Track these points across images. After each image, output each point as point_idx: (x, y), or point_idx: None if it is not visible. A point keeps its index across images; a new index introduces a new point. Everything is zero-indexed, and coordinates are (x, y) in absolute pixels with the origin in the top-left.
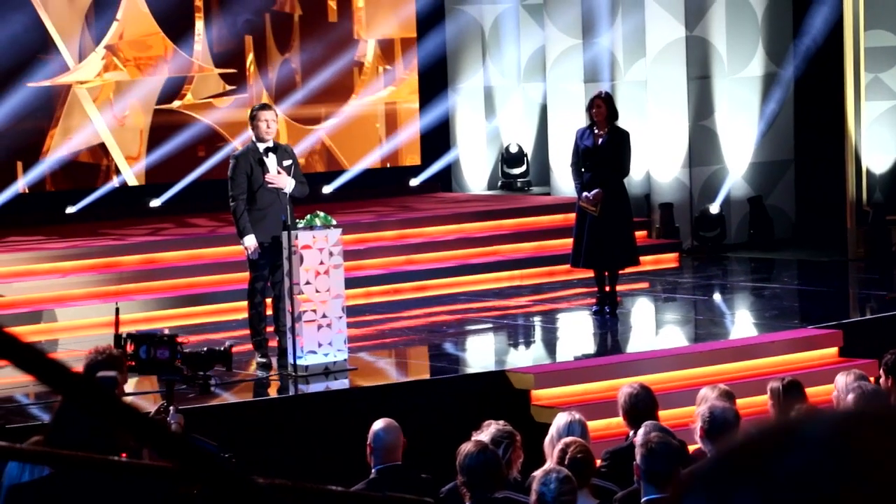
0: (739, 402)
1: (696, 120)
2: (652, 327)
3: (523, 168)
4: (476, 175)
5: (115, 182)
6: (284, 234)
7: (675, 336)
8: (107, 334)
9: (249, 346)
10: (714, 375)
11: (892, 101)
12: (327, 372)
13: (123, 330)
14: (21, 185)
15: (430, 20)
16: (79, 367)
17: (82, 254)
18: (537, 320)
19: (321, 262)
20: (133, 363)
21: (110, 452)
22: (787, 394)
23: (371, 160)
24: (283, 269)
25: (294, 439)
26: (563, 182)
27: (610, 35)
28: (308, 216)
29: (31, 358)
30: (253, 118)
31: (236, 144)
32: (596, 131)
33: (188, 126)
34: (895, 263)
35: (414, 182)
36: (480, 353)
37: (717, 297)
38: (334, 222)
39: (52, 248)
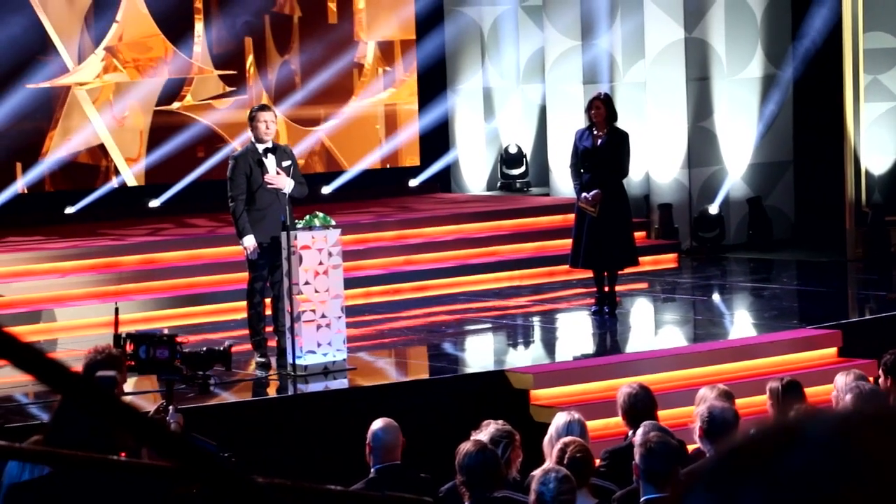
0: (738, 402)
1: (696, 121)
2: (651, 327)
3: (522, 169)
4: (475, 176)
5: (114, 182)
6: (283, 235)
7: (674, 336)
8: (106, 334)
9: (248, 346)
10: (713, 375)
11: (891, 103)
12: (326, 372)
13: (123, 330)
14: (20, 185)
15: (429, 21)
16: (78, 366)
17: (81, 254)
18: (536, 320)
19: (320, 263)
20: (132, 363)
21: (109, 452)
22: (787, 394)
23: (370, 161)
24: (283, 269)
25: (293, 439)
26: (563, 183)
27: (609, 36)
28: (307, 216)
29: (31, 357)
30: (252, 119)
31: (235, 145)
32: (595, 132)
33: (187, 127)
34: (894, 264)
35: (413, 183)
36: (480, 352)
37: (716, 297)
38: (333, 223)
39: (52, 249)
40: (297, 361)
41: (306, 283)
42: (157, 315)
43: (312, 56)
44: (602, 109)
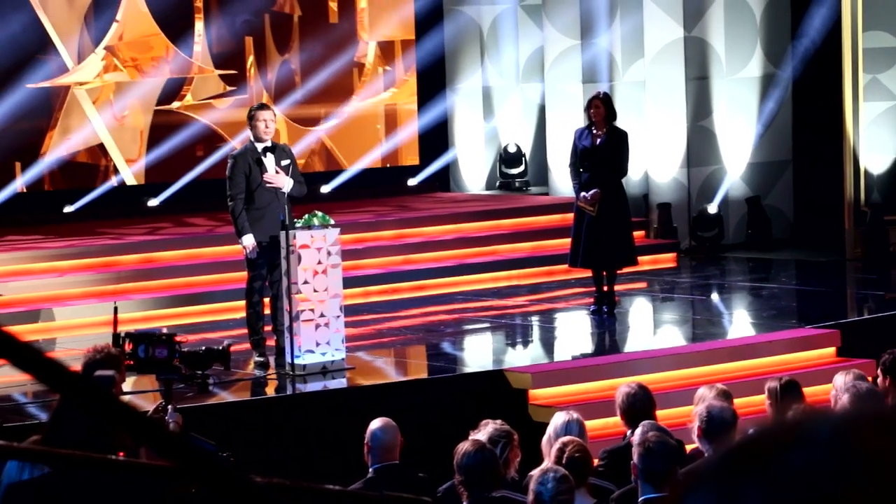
0: (737, 401)
1: (695, 120)
2: (650, 327)
3: (521, 168)
4: (474, 175)
5: (113, 181)
6: (282, 234)
7: (672, 336)
8: (105, 333)
9: (247, 346)
10: (712, 375)
11: (890, 102)
12: (325, 371)
13: (122, 329)
14: (19, 184)
15: (428, 21)
16: (77, 366)
17: (80, 253)
18: (535, 320)
19: (319, 262)
20: (131, 362)
21: (108, 451)
22: (785, 394)
23: (370, 160)
24: (282, 268)
25: (292, 438)
26: (562, 182)
27: (608, 36)
28: (306, 216)
29: (29, 357)
30: (251, 118)
31: (235, 144)
32: (594, 131)
33: (187, 126)
34: (893, 263)
35: (412, 182)
36: (478, 352)
37: (714, 296)
38: (332, 222)
39: (50, 248)
40: (296, 361)
41: (305, 282)
42: (155, 314)
43: (312, 55)
44: (601, 108)
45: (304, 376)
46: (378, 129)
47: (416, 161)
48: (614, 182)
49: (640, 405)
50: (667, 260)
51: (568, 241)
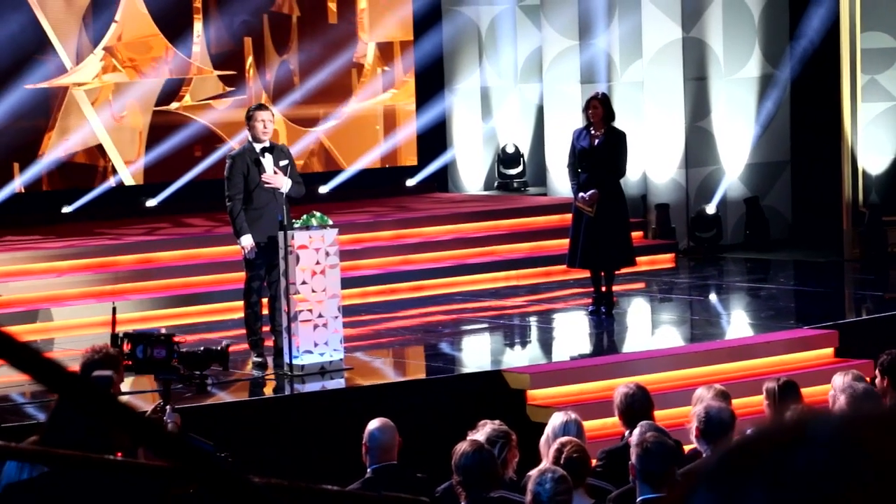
0: (735, 402)
1: (693, 121)
2: (648, 327)
3: (520, 168)
4: (472, 175)
5: (111, 182)
6: (281, 234)
7: (671, 336)
8: (103, 333)
9: (246, 346)
10: (710, 375)
11: (888, 103)
12: (323, 371)
13: (120, 329)
14: (17, 184)
15: (426, 21)
16: (75, 366)
17: (78, 253)
18: (533, 320)
19: (317, 262)
20: (130, 362)
21: (106, 452)
22: (783, 394)
23: (369, 160)
24: (280, 268)
25: (290, 439)
26: (560, 182)
27: (606, 36)
28: (304, 216)
29: (27, 357)
30: (249, 118)
31: (233, 144)
32: (592, 132)
33: (185, 126)
34: (891, 264)
35: (410, 182)
36: (476, 352)
37: (713, 297)
38: (330, 222)
39: (49, 248)
40: (294, 361)
41: (303, 282)
42: (153, 315)
43: (311, 56)
44: (599, 109)
45: (302, 377)
46: (377, 129)
47: (414, 161)
48: (612, 182)
49: (638, 405)
50: (665, 260)
51: (566, 241)
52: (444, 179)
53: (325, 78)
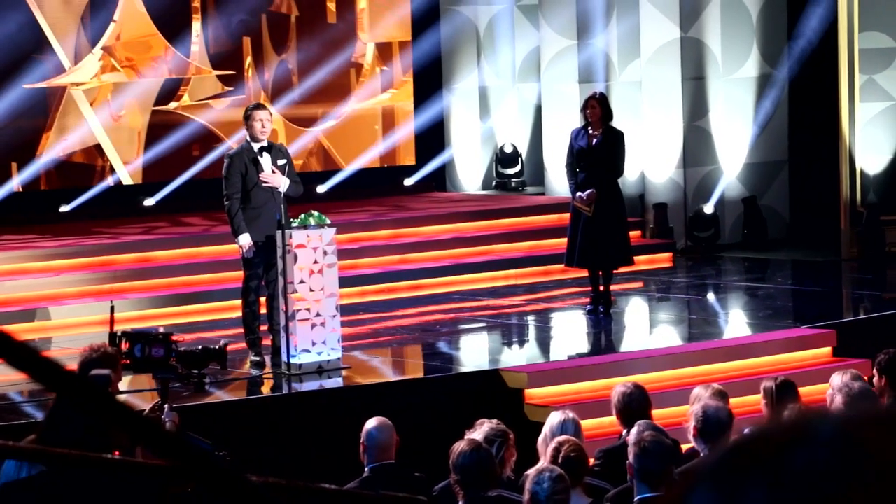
0: (733, 401)
1: (691, 120)
2: (646, 327)
3: (518, 168)
4: (470, 175)
5: (109, 181)
6: (279, 233)
7: (668, 335)
8: (101, 332)
9: (244, 345)
10: (707, 375)
11: (886, 103)
12: (321, 370)
13: (118, 328)
14: (15, 183)
15: (425, 20)
16: (73, 365)
17: (76, 252)
18: (531, 319)
19: (315, 261)
20: (128, 361)
21: (104, 450)
22: (781, 393)
23: (367, 160)
24: (278, 267)
25: (288, 438)
26: (558, 182)
27: (605, 36)
28: (302, 215)
29: (25, 356)
30: (247, 118)
31: (231, 144)
32: (590, 131)
33: (183, 125)
34: (889, 264)
35: (408, 182)
36: (474, 352)
37: (710, 296)
38: (328, 221)
39: (46, 247)
40: (292, 360)
41: (301, 281)
42: (151, 314)
43: (309, 55)
44: (597, 109)
45: (300, 376)
46: (376, 129)
47: (412, 161)
48: (610, 182)
49: (635, 405)
50: (663, 260)
51: (564, 240)
52: (442, 179)
53: (323, 77)
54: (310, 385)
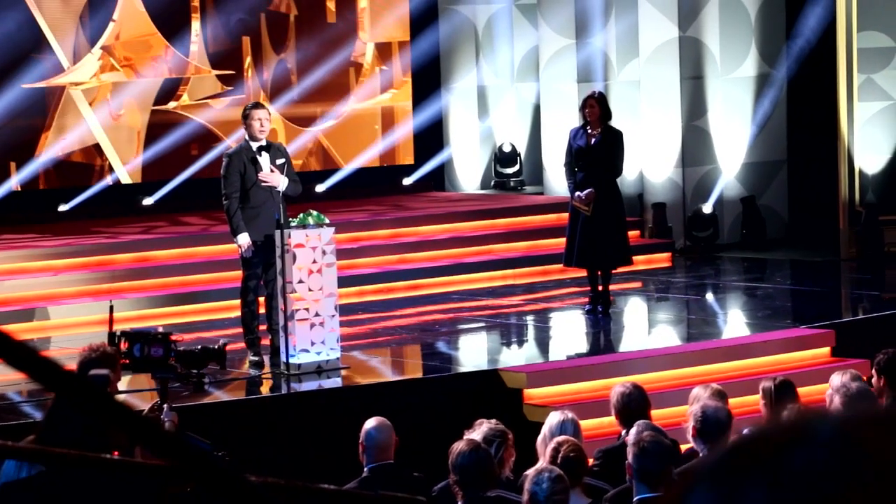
0: (732, 401)
1: (689, 120)
2: (644, 327)
3: (516, 167)
4: (469, 174)
5: (108, 180)
6: (277, 233)
7: (667, 335)
8: (100, 332)
9: (242, 345)
10: (706, 375)
11: (884, 102)
12: (320, 370)
13: (117, 328)
14: (14, 182)
15: (423, 20)
16: (72, 364)
17: (75, 252)
18: (530, 319)
19: (314, 261)
20: (127, 361)
21: (103, 450)
22: (780, 393)
23: (366, 159)
24: (276, 267)
25: (287, 438)
26: (556, 181)
27: (603, 35)
28: (301, 215)
29: (24, 355)
30: (246, 117)
31: (230, 143)
32: (589, 131)
33: (182, 125)
34: (888, 263)
35: (407, 181)
36: (473, 351)
37: (709, 296)
38: (327, 221)
39: (45, 246)
40: (291, 360)
41: (300, 281)
42: (151, 313)
43: (308, 55)
44: (596, 108)
45: (299, 375)
46: (375, 129)
47: (411, 160)
48: (609, 182)
49: (634, 405)
50: (661, 260)
51: (563, 240)
52: (440, 178)
53: (322, 77)
54: (309, 385)
